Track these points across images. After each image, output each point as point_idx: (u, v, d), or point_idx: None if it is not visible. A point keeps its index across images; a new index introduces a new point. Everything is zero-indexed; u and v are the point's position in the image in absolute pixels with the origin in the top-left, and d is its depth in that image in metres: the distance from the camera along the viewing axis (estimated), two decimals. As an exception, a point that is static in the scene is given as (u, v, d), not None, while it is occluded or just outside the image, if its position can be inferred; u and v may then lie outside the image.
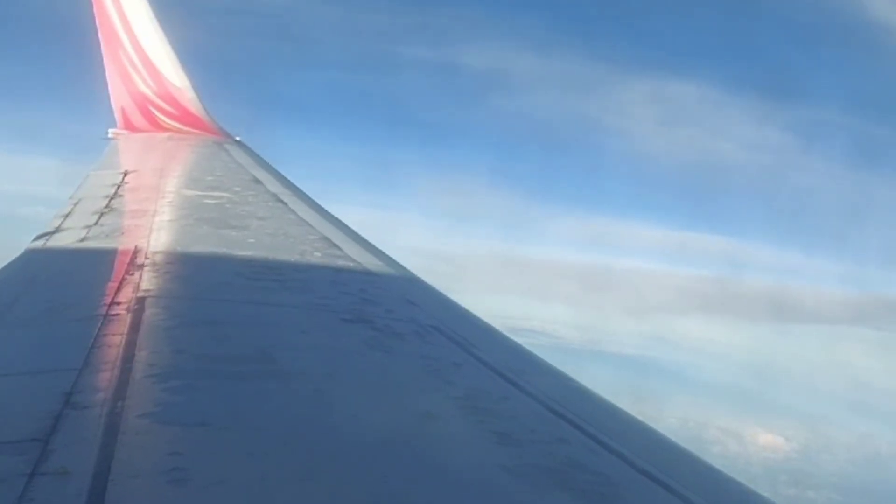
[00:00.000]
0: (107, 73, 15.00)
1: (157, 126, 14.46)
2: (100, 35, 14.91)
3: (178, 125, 14.33)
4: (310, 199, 9.45)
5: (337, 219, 8.48)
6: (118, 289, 4.97)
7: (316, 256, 6.51)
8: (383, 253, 7.19)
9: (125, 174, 10.35)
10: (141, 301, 4.65)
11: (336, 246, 6.94)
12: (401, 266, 6.91)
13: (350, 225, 8.29)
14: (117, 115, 14.86)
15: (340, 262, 6.40)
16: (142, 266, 5.57)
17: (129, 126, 14.63)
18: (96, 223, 7.28)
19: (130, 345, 3.83)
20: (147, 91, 14.55)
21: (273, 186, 9.72)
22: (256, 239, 6.86)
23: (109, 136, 14.24)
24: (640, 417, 4.20)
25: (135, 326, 4.14)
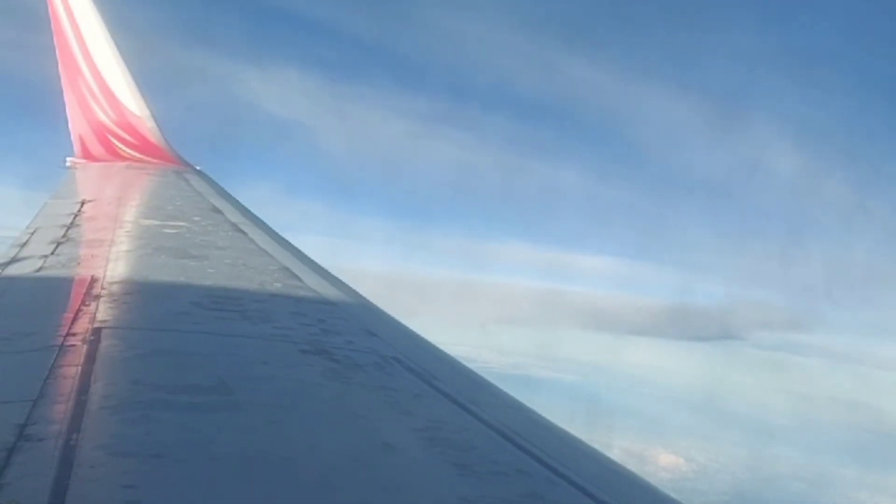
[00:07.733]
0: (66, 101, 14.88)
1: (116, 155, 14.33)
2: (59, 62, 14.80)
3: (137, 154, 14.21)
4: (270, 228, 9.43)
5: (297, 248, 8.46)
6: (74, 319, 4.90)
7: (275, 286, 6.49)
8: (344, 283, 7.18)
9: (83, 203, 10.24)
10: (97, 332, 4.60)
11: (296, 276, 6.92)
12: (361, 296, 6.91)
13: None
14: (75, 144, 14.72)
15: (300, 293, 6.38)
16: (98, 296, 5.51)
17: (88, 155, 14.48)
18: (53, 253, 7.19)
19: (86, 376, 3.78)
20: (106, 120, 14.44)
21: (233, 216, 9.68)
22: (216, 269, 6.82)
23: (67, 164, 14.08)
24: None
25: (90, 357, 4.09)
